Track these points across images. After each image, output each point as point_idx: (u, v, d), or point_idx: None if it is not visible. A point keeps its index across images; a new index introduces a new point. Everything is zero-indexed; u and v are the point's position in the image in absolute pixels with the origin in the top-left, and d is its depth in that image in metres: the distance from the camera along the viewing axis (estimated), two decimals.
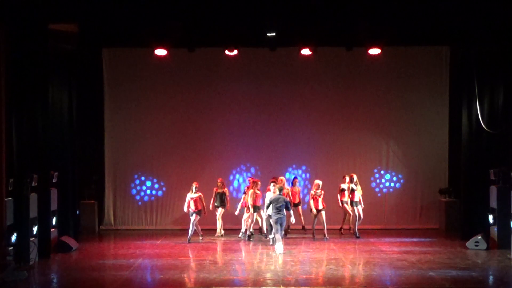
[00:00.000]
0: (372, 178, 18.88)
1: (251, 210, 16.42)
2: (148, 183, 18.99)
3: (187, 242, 16.10)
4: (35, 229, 13.93)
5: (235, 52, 17.41)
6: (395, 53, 18.39)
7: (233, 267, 13.33)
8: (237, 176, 18.94)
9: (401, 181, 19.00)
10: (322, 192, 16.62)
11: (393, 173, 18.97)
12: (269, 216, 15.27)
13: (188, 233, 16.28)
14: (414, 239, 16.75)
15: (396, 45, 17.71)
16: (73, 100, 16.97)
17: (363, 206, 16.92)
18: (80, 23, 15.98)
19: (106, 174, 18.87)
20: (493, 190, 15.33)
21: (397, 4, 14.68)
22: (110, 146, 18.91)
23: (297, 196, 17.45)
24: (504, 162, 15.19)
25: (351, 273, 12.56)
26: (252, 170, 18.96)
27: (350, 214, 17.16)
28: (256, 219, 16.90)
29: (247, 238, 16.60)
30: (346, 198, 17.03)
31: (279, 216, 14.75)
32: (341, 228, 17.57)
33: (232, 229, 17.45)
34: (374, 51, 17.12)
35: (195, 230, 16.35)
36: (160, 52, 16.95)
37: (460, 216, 17.06)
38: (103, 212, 18.82)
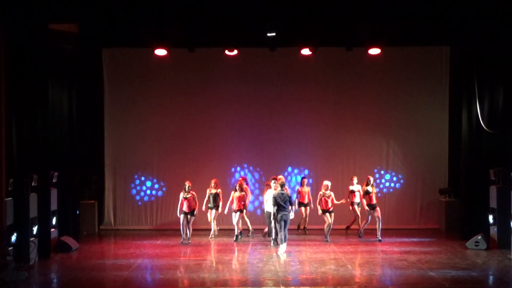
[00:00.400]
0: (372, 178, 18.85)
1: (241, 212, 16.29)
2: (148, 183, 18.99)
3: (187, 242, 16.05)
4: (35, 229, 13.93)
5: (235, 52, 17.40)
6: (395, 53, 18.38)
7: (233, 267, 13.33)
8: (237, 176, 18.90)
9: (401, 181, 19.00)
10: (331, 193, 16.39)
11: (393, 173, 18.96)
12: (270, 214, 15.12)
13: (182, 235, 15.99)
14: (414, 239, 16.75)
15: (396, 45, 17.69)
16: (73, 100, 16.99)
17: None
18: (80, 23, 16.00)
19: (106, 174, 18.86)
20: (493, 190, 15.33)
21: (397, 4, 14.68)
22: (110, 146, 18.91)
23: (306, 196, 17.25)
24: (504, 162, 15.20)
25: (351, 273, 12.56)
26: (252, 169, 18.96)
27: (358, 216, 17.08)
28: (245, 219, 16.78)
29: (235, 238, 16.43)
30: (358, 199, 16.97)
31: (284, 213, 14.60)
32: (347, 227, 17.53)
33: (227, 229, 17.34)
34: (374, 51, 17.12)
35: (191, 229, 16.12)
36: (160, 52, 16.96)
37: (460, 216, 17.06)
38: (103, 212, 18.82)
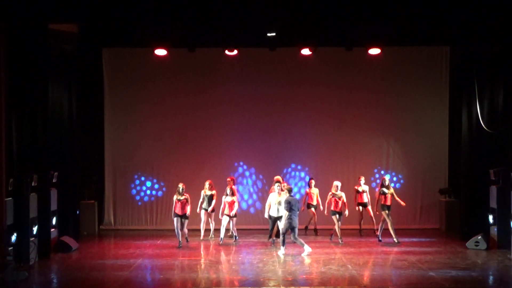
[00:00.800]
0: (372, 178, 18.82)
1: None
2: (148, 183, 18.99)
3: (186, 242, 16.00)
4: (35, 229, 13.93)
5: (235, 52, 17.39)
6: (395, 53, 18.38)
7: (233, 267, 13.33)
8: (237, 175, 18.91)
9: (401, 181, 19.00)
10: (343, 193, 16.15)
11: (393, 173, 18.95)
12: (273, 218, 15.15)
13: (179, 239, 15.62)
14: (414, 239, 16.75)
15: (396, 45, 17.71)
16: (73, 100, 16.98)
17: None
18: (80, 23, 16.00)
19: (106, 174, 18.87)
20: (493, 190, 15.33)
21: (397, 4, 14.67)
22: (110, 146, 18.91)
23: (315, 197, 17.06)
24: (504, 162, 15.20)
25: (351, 273, 12.55)
26: (252, 169, 18.97)
27: (372, 218, 17.02)
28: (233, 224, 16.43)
29: (234, 239, 16.36)
30: (366, 200, 16.94)
31: (296, 218, 14.40)
32: (360, 229, 17.44)
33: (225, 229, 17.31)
34: (374, 51, 17.14)
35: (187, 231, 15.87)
36: (160, 52, 16.97)
37: (460, 216, 17.06)
38: (103, 212, 18.82)
